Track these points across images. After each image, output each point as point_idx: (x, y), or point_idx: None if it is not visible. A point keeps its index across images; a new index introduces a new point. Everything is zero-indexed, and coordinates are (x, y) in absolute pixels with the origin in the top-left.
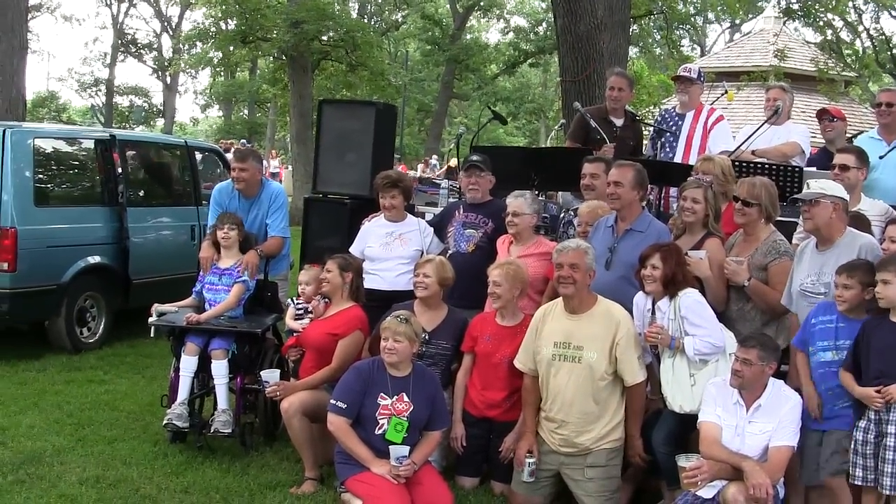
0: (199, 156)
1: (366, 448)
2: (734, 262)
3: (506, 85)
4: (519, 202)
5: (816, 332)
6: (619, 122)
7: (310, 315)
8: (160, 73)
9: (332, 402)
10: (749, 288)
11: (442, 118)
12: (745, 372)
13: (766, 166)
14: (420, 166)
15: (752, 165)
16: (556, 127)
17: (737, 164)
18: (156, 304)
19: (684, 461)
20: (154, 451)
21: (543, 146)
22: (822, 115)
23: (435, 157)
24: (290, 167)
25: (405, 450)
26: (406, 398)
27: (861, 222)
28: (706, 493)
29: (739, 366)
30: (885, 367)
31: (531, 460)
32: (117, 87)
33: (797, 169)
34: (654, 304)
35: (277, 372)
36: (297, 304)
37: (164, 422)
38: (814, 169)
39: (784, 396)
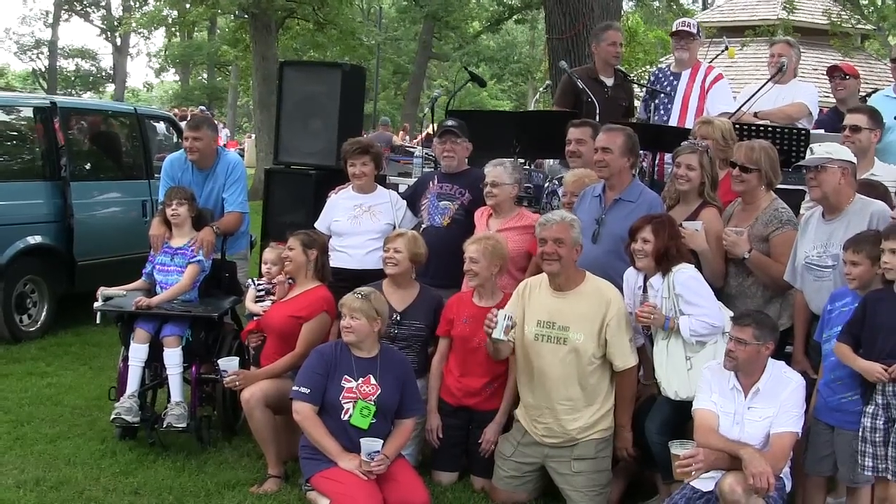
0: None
1: (333, 441)
2: (733, 233)
3: (490, 44)
4: (498, 171)
5: (832, 319)
6: (609, 81)
7: (271, 297)
8: (109, 33)
9: (295, 388)
10: (750, 260)
11: (420, 81)
12: (740, 352)
13: (770, 129)
14: (400, 133)
15: (754, 128)
16: (541, 88)
17: (737, 126)
18: (102, 288)
19: (678, 448)
20: (101, 449)
21: (526, 110)
22: (833, 72)
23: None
24: (252, 136)
25: (378, 444)
26: (373, 380)
27: (875, 190)
28: (704, 485)
29: (733, 346)
30: (893, 346)
31: (506, 313)
32: (61, 49)
33: (804, 132)
34: (645, 280)
35: (237, 360)
36: (258, 284)
37: (112, 417)
38: (822, 131)
39: (785, 379)
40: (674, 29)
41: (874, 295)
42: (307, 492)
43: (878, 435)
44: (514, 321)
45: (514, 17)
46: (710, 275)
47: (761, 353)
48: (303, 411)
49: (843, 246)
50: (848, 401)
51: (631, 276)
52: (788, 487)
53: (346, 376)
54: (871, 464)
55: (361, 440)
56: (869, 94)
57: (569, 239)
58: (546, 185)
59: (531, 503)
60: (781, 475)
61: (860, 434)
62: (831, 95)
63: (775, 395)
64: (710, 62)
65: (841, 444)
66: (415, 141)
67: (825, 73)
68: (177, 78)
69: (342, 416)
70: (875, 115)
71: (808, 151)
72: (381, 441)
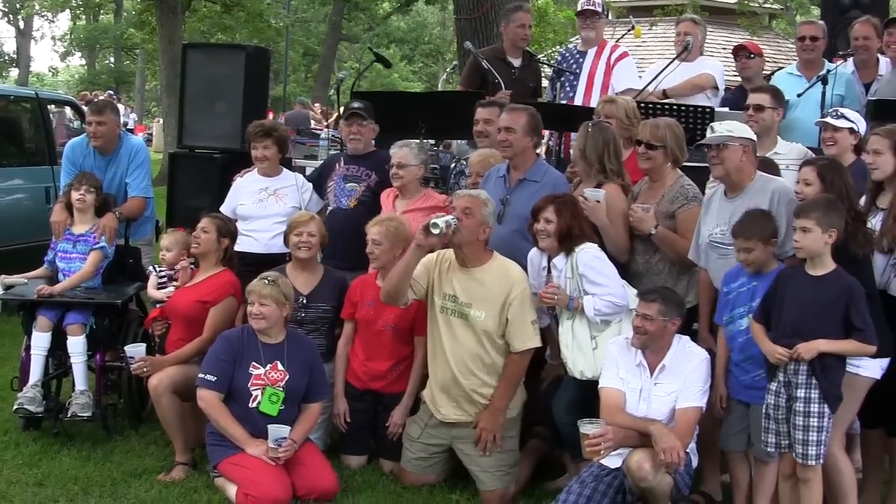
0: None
1: (240, 427)
2: (640, 209)
3: (400, 25)
4: (403, 152)
5: (731, 301)
6: (517, 62)
7: (174, 283)
8: (11, 16)
9: (201, 375)
10: (656, 236)
11: (330, 63)
12: (648, 328)
13: (675, 107)
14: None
15: (659, 107)
16: (448, 69)
17: (643, 105)
18: (3, 276)
19: (587, 427)
20: (4, 440)
21: (433, 90)
22: (739, 51)
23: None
24: (160, 120)
25: (285, 430)
26: (280, 366)
27: (769, 167)
28: (612, 462)
29: (640, 322)
30: (798, 323)
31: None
32: None
33: (708, 109)
34: (549, 261)
35: (143, 346)
36: (160, 271)
37: (15, 407)
38: (726, 109)
39: (689, 354)
40: (579, 8)
41: (786, 272)
42: (215, 478)
43: (780, 412)
44: (455, 222)
45: None
46: (612, 249)
47: (667, 328)
48: (208, 399)
49: (732, 233)
50: (761, 378)
51: (535, 257)
52: (695, 463)
53: (253, 363)
54: (773, 440)
55: (269, 426)
56: (773, 73)
57: (478, 213)
58: (453, 165)
59: (440, 484)
60: (688, 451)
61: (764, 411)
62: (738, 74)
63: (680, 370)
64: (617, 41)
65: (756, 419)
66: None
67: (732, 52)
68: (83, 62)
69: (250, 403)
70: (778, 94)
71: (709, 130)
72: (289, 427)
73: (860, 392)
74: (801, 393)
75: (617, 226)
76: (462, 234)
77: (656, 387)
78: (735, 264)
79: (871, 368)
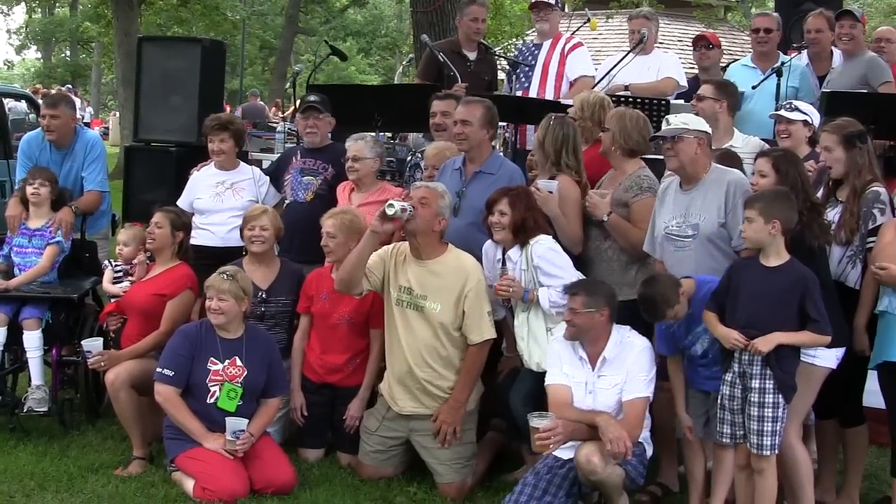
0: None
1: (197, 422)
2: (595, 195)
3: (357, 18)
4: (359, 145)
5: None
6: (472, 55)
7: (130, 278)
8: None
9: (158, 370)
10: (609, 223)
11: (287, 56)
12: (575, 321)
13: (631, 99)
14: (272, 109)
15: (615, 99)
16: (404, 62)
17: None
18: None
19: (537, 421)
20: None
21: (389, 83)
22: (699, 41)
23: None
24: (117, 114)
25: (243, 423)
26: (239, 362)
27: (732, 160)
28: (566, 452)
29: (569, 315)
30: (754, 315)
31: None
32: None
33: (664, 102)
34: (504, 253)
35: (100, 340)
36: (116, 265)
37: None
38: (682, 102)
39: (629, 343)
40: (532, 0)
41: (740, 263)
42: (172, 472)
43: (735, 403)
44: (410, 208)
45: None
46: (565, 241)
47: (596, 319)
48: (165, 393)
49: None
50: (720, 369)
51: (489, 249)
52: (649, 453)
53: (212, 358)
54: (728, 431)
55: (227, 419)
56: (728, 65)
57: (434, 204)
58: (409, 158)
59: (398, 477)
60: (641, 440)
61: (719, 402)
62: (695, 66)
63: (622, 361)
64: (572, 34)
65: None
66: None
67: (691, 42)
68: (39, 55)
69: (208, 398)
70: (721, 87)
71: (664, 122)
72: (247, 420)
73: (816, 382)
74: (756, 384)
75: (570, 217)
76: (417, 223)
77: (600, 379)
78: (692, 256)
79: (826, 358)
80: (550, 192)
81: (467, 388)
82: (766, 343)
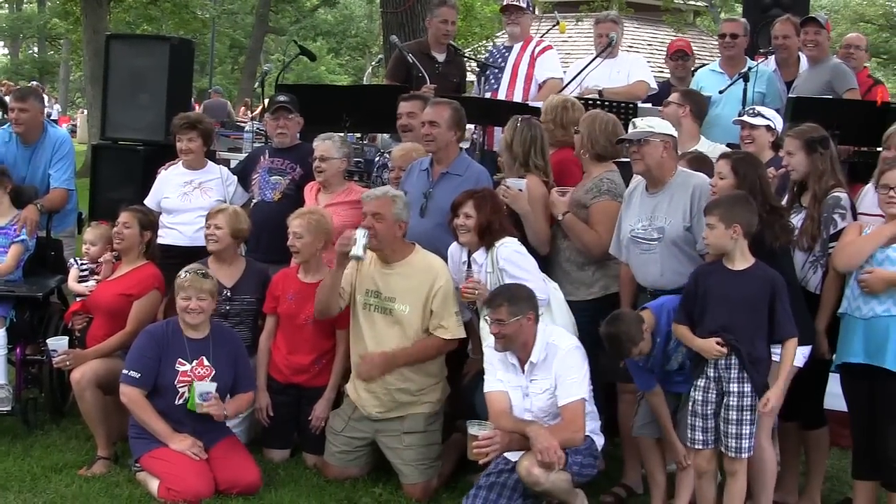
0: None
1: (163, 423)
2: (556, 192)
3: (327, 18)
4: (326, 145)
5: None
6: (441, 57)
7: (96, 277)
8: None
9: (125, 372)
10: (563, 222)
11: (256, 55)
12: (504, 332)
13: (598, 103)
14: (241, 109)
15: (582, 101)
16: (373, 63)
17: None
18: None
19: (475, 430)
20: None
21: (357, 84)
22: (678, 53)
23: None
24: (85, 111)
25: (211, 385)
26: (206, 362)
27: (704, 163)
28: (516, 456)
29: (496, 328)
30: (727, 320)
31: (364, 231)
32: None
33: (631, 105)
34: (469, 255)
35: (66, 339)
36: (81, 264)
37: None
38: (649, 105)
39: (555, 346)
40: (503, 3)
41: (705, 269)
42: (137, 472)
43: (708, 407)
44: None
45: None
46: (533, 239)
47: (524, 325)
48: (131, 395)
49: (705, 210)
50: (674, 372)
51: (455, 252)
52: (600, 443)
53: (179, 359)
54: (701, 437)
55: (195, 383)
56: (696, 69)
57: (388, 214)
58: (377, 158)
59: (363, 478)
60: (589, 433)
61: (690, 407)
62: (664, 69)
63: (549, 365)
64: (542, 37)
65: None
66: (252, 115)
67: (660, 47)
68: (6, 51)
69: (177, 399)
70: (686, 93)
71: (631, 125)
72: (215, 384)
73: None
74: (734, 387)
75: (538, 216)
76: (380, 241)
77: (532, 384)
78: (657, 259)
79: (795, 357)
80: (520, 190)
81: (408, 357)
82: (777, 398)
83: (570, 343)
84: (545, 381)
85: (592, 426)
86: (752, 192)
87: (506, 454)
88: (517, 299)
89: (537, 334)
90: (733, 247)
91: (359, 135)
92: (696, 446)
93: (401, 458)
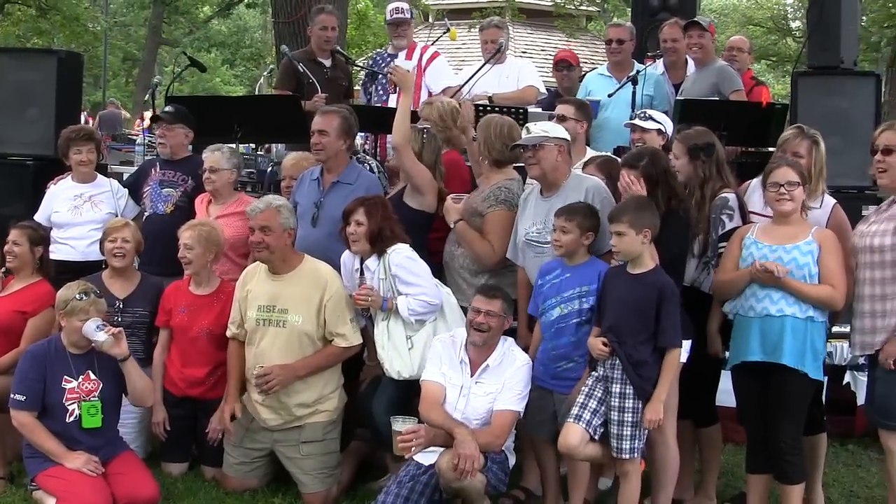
0: None
1: (56, 442)
2: (450, 200)
3: (221, 29)
4: (215, 156)
5: (544, 293)
6: (327, 62)
7: None
8: None
9: (12, 396)
10: (455, 230)
11: (150, 68)
12: (492, 324)
13: (490, 109)
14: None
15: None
16: (265, 73)
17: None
18: None
19: (399, 425)
20: None
21: (249, 94)
22: (560, 63)
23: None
24: None
25: (98, 320)
26: (93, 376)
27: (613, 166)
28: (427, 458)
29: (484, 318)
30: (615, 321)
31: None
32: None
33: (521, 111)
34: (362, 263)
35: None
36: None
37: None
38: (540, 110)
39: (512, 357)
40: (388, 18)
41: (611, 271)
42: (33, 491)
43: (592, 401)
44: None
45: (245, 1)
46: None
47: (504, 326)
48: (20, 419)
49: (556, 213)
50: (563, 369)
51: (348, 260)
52: (511, 462)
53: (65, 377)
54: (576, 412)
55: (83, 326)
56: (585, 73)
57: (276, 225)
58: (270, 169)
59: (262, 488)
60: (504, 449)
61: (579, 402)
62: (558, 85)
63: (502, 372)
64: (432, 43)
65: (564, 408)
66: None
67: (553, 62)
68: None
69: (67, 417)
70: (583, 108)
71: (524, 131)
72: (101, 320)
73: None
74: (616, 388)
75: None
76: (271, 251)
77: (477, 385)
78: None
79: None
80: (409, 72)
81: (309, 367)
82: (656, 412)
83: (525, 358)
84: (492, 385)
85: (508, 443)
86: (664, 190)
87: (417, 458)
88: (509, 299)
89: (499, 341)
90: (644, 250)
91: (253, 146)
92: (568, 419)
93: (300, 467)
